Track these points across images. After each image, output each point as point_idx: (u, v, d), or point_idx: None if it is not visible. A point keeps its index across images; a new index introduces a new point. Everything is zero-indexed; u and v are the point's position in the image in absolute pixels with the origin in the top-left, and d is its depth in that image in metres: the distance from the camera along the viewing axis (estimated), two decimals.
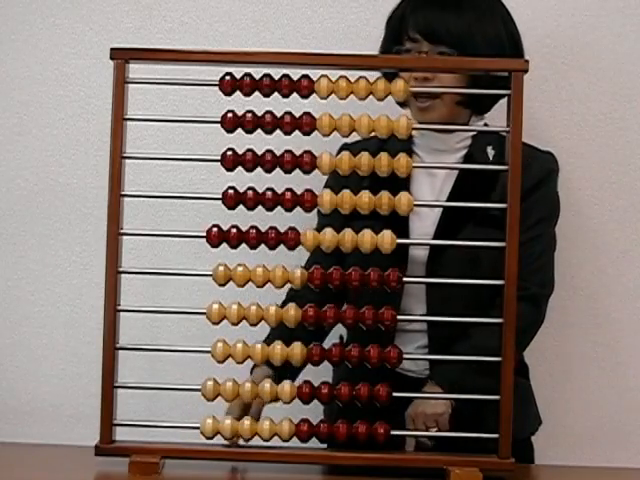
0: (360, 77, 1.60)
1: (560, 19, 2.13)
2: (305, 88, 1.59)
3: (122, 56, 1.57)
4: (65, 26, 2.18)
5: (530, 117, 2.02)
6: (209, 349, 1.58)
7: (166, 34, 2.17)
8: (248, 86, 1.59)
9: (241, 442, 1.58)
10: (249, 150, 1.60)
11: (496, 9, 1.83)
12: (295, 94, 1.59)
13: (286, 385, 1.57)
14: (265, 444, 1.58)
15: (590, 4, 2.13)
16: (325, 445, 1.64)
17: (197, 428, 1.58)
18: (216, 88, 1.63)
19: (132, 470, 1.52)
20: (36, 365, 2.20)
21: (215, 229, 1.59)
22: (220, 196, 1.60)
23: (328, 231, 1.58)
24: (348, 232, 1.57)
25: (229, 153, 1.59)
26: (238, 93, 1.60)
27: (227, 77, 1.59)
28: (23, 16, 2.18)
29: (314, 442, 1.59)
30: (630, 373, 2.15)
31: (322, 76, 1.58)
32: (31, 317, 2.20)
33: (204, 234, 1.60)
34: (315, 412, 1.74)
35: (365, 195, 1.56)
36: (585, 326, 2.15)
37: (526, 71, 1.55)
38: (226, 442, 1.57)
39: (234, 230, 1.59)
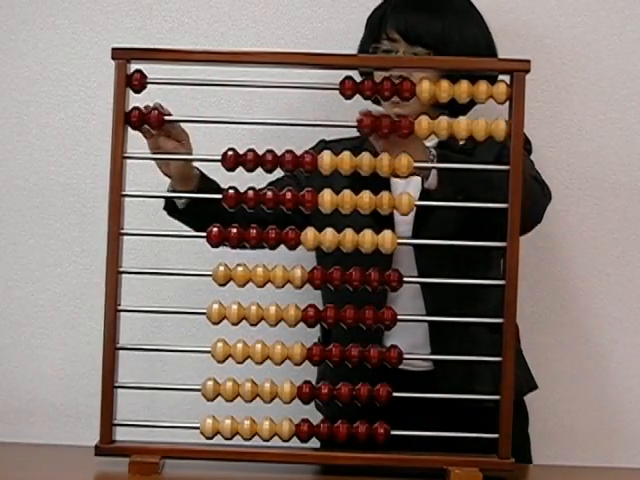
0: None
1: (560, 19, 2.13)
2: None
3: (123, 56, 1.57)
4: (65, 26, 2.18)
5: (530, 117, 2.02)
6: (209, 349, 1.58)
7: (166, 34, 2.17)
8: None
9: (241, 442, 1.58)
10: (250, 150, 1.60)
11: (472, 13, 1.88)
12: None
13: (286, 385, 1.57)
14: (265, 444, 1.58)
15: (590, 4, 2.13)
16: (324, 445, 1.64)
17: (197, 428, 1.58)
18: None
19: (132, 470, 1.52)
20: (36, 365, 2.20)
21: (215, 229, 1.59)
22: (221, 196, 1.60)
23: (329, 231, 1.58)
24: (348, 232, 1.57)
25: (229, 153, 1.59)
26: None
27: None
28: (23, 16, 2.18)
29: (314, 442, 1.59)
30: (630, 373, 2.15)
31: None
32: (31, 317, 2.20)
33: (204, 234, 1.60)
34: (315, 412, 1.74)
35: (366, 195, 1.56)
36: (585, 326, 2.15)
37: (528, 71, 1.55)
38: (226, 441, 1.58)
39: (234, 230, 1.59)
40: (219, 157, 1.60)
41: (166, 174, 1.73)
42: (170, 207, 1.79)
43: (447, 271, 1.65)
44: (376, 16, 1.89)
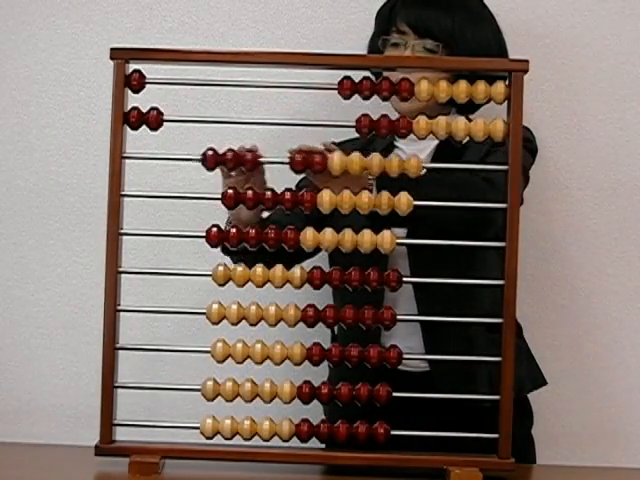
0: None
1: (560, 19, 2.13)
2: None
3: (122, 56, 1.57)
4: (65, 26, 2.18)
5: (530, 117, 2.02)
6: (209, 349, 1.58)
7: (166, 34, 2.17)
8: None
9: (241, 442, 1.58)
10: (230, 150, 1.60)
11: (486, 15, 1.88)
12: None
13: (286, 385, 1.57)
14: (265, 444, 1.58)
15: (590, 4, 2.13)
16: (325, 445, 1.64)
17: (197, 428, 1.58)
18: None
19: (132, 470, 1.52)
20: (36, 365, 2.20)
21: (215, 229, 1.60)
22: (220, 196, 1.60)
23: (328, 231, 1.58)
24: (348, 232, 1.57)
25: (209, 153, 1.59)
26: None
27: None
28: (23, 16, 2.18)
29: (314, 442, 1.59)
30: (630, 373, 2.15)
31: None
32: (31, 317, 2.20)
33: (204, 234, 1.60)
34: (315, 412, 1.74)
35: (365, 195, 1.56)
36: (585, 326, 2.15)
37: (526, 71, 1.55)
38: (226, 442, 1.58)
39: (234, 230, 1.59)
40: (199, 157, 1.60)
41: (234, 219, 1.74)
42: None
43: (441, 275, 1.64)
44: (386, 9, 1.89)
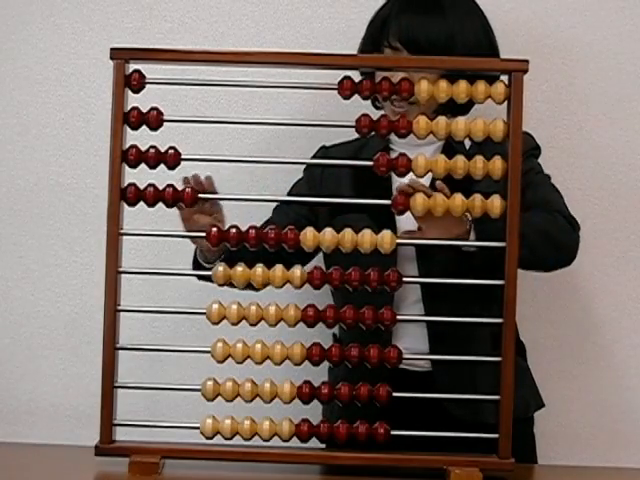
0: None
1: (560, 19, 2.13)
2: None
3: (122, 56, 1.57)
4: (65, 26, 2.18)
5: (530, 117, 2.02)
6: (209, 349, 1.58)
7: (166, 34, 2.17)
8: None
9: (241, 442, 1.58)
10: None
11: (477, 16, 1.84)
12: None
13: (286, 385, 1.57)
14: (265, 444, 1.58)
15: (590, 4, 2.13)
16: (325, 445, 1.64)
17: (197, 428, 1.58)
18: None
19: (132, 470, 1.52)
20: (36, 365, 2.20)
21: (215, 229, 1.60)
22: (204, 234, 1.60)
23: (328, 231, 1.58)
24: (348, 232, 1.57)
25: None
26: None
27: None
28: (23, 16, 2.18)
29: (314, 442, 1.59)
30: (630, 373, 2.15)
31: None
32: (31, 317, 2.20)
33: (204, 234, 1.60)
34: (315, 412, 1.74)
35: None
36: (585, 326, 2.15)
37: (526, 71, 1.55)
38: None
39: (234, 230, 1.59)
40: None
41: (198, 244, 1.74)
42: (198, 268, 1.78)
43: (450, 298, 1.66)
44: (378, 19, 1.85)
